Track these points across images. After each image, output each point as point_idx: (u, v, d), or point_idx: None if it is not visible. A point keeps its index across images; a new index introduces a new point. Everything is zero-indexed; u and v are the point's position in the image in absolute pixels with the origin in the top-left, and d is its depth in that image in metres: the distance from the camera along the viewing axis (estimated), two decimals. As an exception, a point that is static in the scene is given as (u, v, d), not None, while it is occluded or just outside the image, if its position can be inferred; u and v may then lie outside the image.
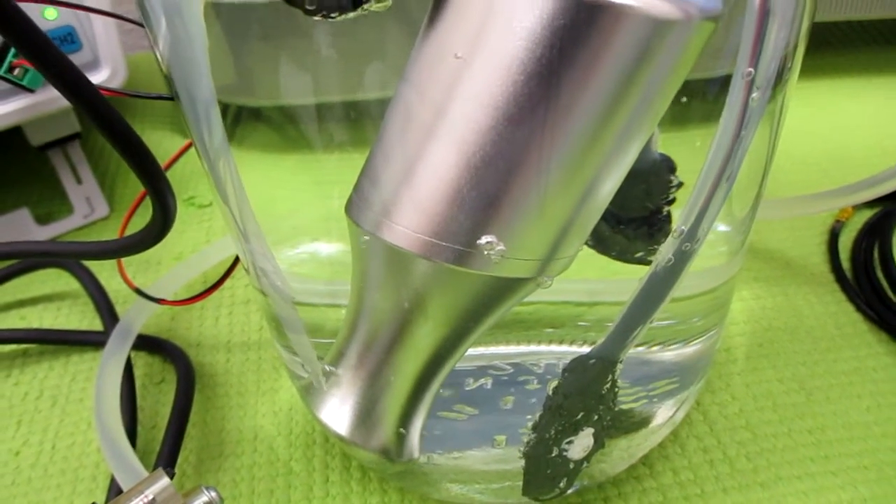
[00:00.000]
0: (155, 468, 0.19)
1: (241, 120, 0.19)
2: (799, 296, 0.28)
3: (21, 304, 0.30)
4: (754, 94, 0.15)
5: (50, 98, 0.28)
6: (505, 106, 0.13)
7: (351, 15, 0.15)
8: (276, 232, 0.20)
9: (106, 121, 0.15)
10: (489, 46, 0.13)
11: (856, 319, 0.27)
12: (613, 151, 0.15)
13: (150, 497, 0.16)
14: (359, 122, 0.18)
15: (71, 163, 0.34)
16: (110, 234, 0.34)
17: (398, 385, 0.18)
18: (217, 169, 0.19)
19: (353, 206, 0.16)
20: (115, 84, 0.30)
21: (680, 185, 0.19)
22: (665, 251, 0.17)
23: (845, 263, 0.29)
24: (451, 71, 0.14)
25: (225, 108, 0.18)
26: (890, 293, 0.27)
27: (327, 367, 0.19)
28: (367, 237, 0.16)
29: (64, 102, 0.29)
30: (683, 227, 0.16)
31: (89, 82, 0.14)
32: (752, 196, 0.20)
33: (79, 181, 0.34)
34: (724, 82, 0.15)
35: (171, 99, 0.18)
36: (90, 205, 0.34)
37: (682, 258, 0.17)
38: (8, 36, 0.13)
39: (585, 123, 0.14)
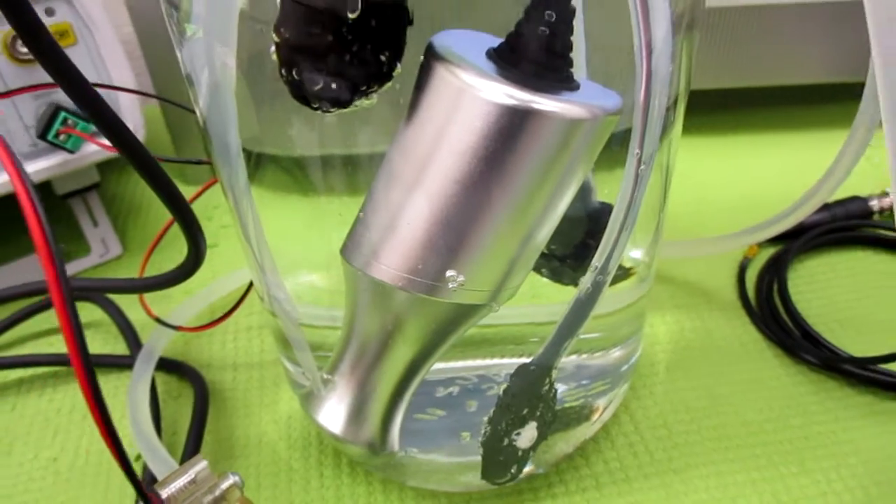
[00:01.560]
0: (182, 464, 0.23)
1: (260, 165, 0.24)
2: (712, 320, 0.33)
3: (49, 332, 0.34)
4: (642, 167, 0.21)
5: (83, 156, 0.33)
6: (462, 182, 0.18)
7: (345, 110, 0.20)
8: (285, 263, 0.25)
9: (157, 179, 0.20)
10: (448, 140, 0.18)
11: (757, 338, 0.33)
12: (544, 211, 0.20)
13: (193, 476, 0.21)
14: (354, 172, 0.23)
15: (89, 208, 0.39)
16: (123, 271, 0.39)
17: (382, 390, 0.23)
18: (241, 207, 0.24)
19: (347, 250, 0.21)
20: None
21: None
22: (585, 281, 0.22)
23: (751, 293, 0.34)
24: (421, 156, 0.19)
25: (248, 155, 0.23)
26: (785, 317, 0.33)
27: (325, 376, 0.24)
28: (358, 273, 0.21)
29: (93, 160, 0.34)
30: (597, 264, 0.22)
31: (145, 148, 0.20)
32: (652, 233, 0.25)
33: (95, 224, 0.39)
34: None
35: (207, 163, 0.24)
36: (105, 245, 0.39)
37: (597, 287, 0.22)
38: (84, 109, 0.18)
39: (522, 193, 0.19)
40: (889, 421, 0.29)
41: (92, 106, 0.18)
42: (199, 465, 0.21)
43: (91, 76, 0.33)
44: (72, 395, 0.32)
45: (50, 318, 0.35)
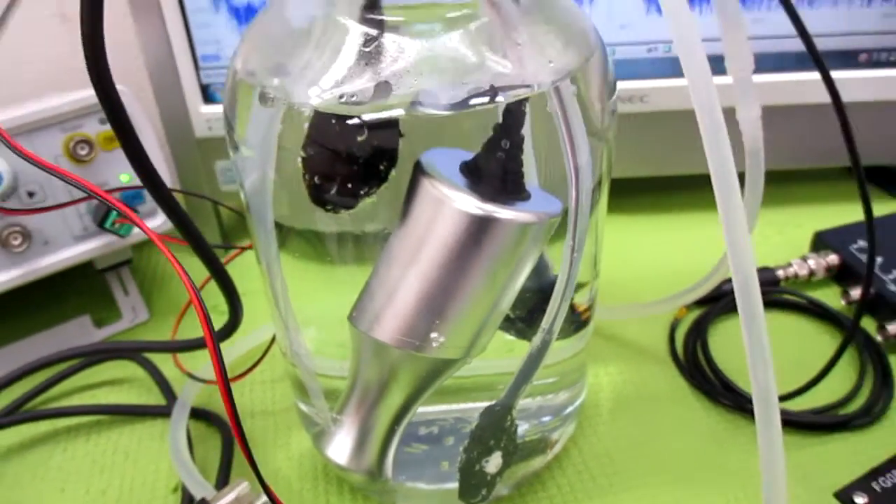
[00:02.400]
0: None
1: (288, 237, 0.30)
2: (647, 371, 0.40)
3: (91, 387, 0.41)
4: (574, 254, 0.28)
5: (127, 239, 0.40)
6: (442, 268, 0.25)
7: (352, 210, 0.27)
8: (303, 320, 0.31)
9: (212, 262, 0.27)
10: (432, 237, 0.25)
11: (684, 386, 0.40)
12: (504, 289, 0.27)
13: (237, 494, 0.27)
14: (361, 247, 0.30)
15: (121, 280, 0.45)
16: (150, 333, 0.45)
17: (379, 426, 0.29)
18: (272, 270, 0.30)
19: (354, 316, 0.28)
20: (167, 227, 0.42)
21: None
22: (536, 340, 0.29)
23: (679, 349, 0.42)
24: (412, 248, 0.26)
25: (279, 228, 0.30)
26: (707, 369, 0.40)
27: (334, 416, 0.30)
28: (363, 335, 0.27)
29: (132, 242, 0.41)
30: (545, 326, 0.29)
31: (204, 239, 0.26)
32: (589, 298, 0.32)
33: (126, 294, 0.45)
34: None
35: (249, 247, 0.30)
36: (134, 312, 0.46)
37: (545, 343, 0.29)
38: (162, 206, 0.25)
39: (487, 277, 0.26)
40: (786, 450, 0.36)
41: (168, 204, 0.25)
42: (242, 486, 0.27)
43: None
44: (114, 438, 0.38)
45: (90, 376, 0.41)
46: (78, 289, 0.47)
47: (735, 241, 0.22)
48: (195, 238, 0.26)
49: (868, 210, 0.32)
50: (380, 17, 0.25)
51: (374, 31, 0.25)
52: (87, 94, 0.39)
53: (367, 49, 0.25)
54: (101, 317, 0.45)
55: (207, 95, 0.46)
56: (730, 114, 0.24)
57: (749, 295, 0.22)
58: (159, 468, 0.36)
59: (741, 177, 0.28)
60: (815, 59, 0.29)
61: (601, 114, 0.28)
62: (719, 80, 0.21)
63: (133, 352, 0.39)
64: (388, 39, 0.25)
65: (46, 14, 0.59)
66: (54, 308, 0.46)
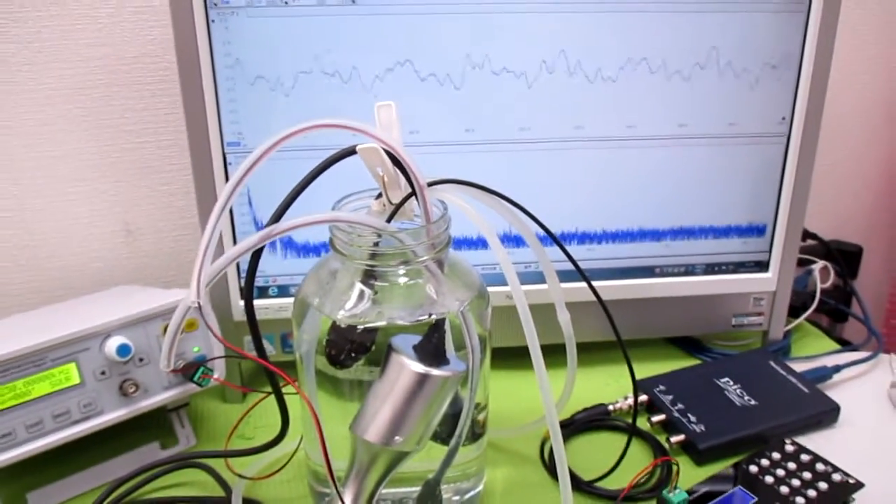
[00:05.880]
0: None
1: (319, 378, 0.54)
2: (525, 470, 0.64)
3: (168, 487, 0.62)
4: (472, 391, 0.53)
5: (195, 388, 0.63)
6: (401, 401, 0.50)
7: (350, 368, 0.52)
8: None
9: (280, 397, 0.51)
10: (398, 385, 0.50)
11: (549, 480, 0.63)
12: (435, 412, 0.52)
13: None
14: (354, 388, 0.54)
15: (178, 416, 0.68)
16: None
17: (366, 492, 0.52)
18: (313, 401, 0.54)
19: (353, 426, 0.51)
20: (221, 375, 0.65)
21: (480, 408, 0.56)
22: (452, 442, 0.53)
23: (546, 456, 0.66)
24: (386, 391, 0.50)
25: (317, 372, 0.53)
26: (562, 466, 0.64)
27: (340, 488, 0.53)
28: (358, 437, 0.51)
29: (198, 390, 0.64)
30: (458, 432, 0.53)
31: (279, 386, 0.50)
32: (482, 418, 0.57)
33: (182, 426, 0.68)
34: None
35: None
36: (187, 438, 0.67)
37: (455, 447, 0.53)
38: (268, 375, 0.49)
39: (426, 406, 0.50)
40: (604, 513, 0.60)
41: (263, 359, 0.49)
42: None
43: (203, 346, 0.64)
44: (187, 518, 0.59)
45: (166, 480, 0.62)
46: (148, 423, 0.68)
47: (544, 386, 0.47)
48: (273, 379, 0.50)
49: (631, 372, 0.58)
50: (373, 281, 0.51)
51: (368, 287, 0.51)
52: (177, 295, 0.63)
53: (364, 291, 0.51)
54: (163, 442, 0.67)
55: (243, 294, 0.71)
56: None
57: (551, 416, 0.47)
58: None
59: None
60: (583, 277, 0.56)
61: (485, 319, 0.54)
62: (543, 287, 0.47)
63: (202, 458, 0.61)
64: (376, 286, 0.51)
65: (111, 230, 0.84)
66: (128, 436, 0.67)
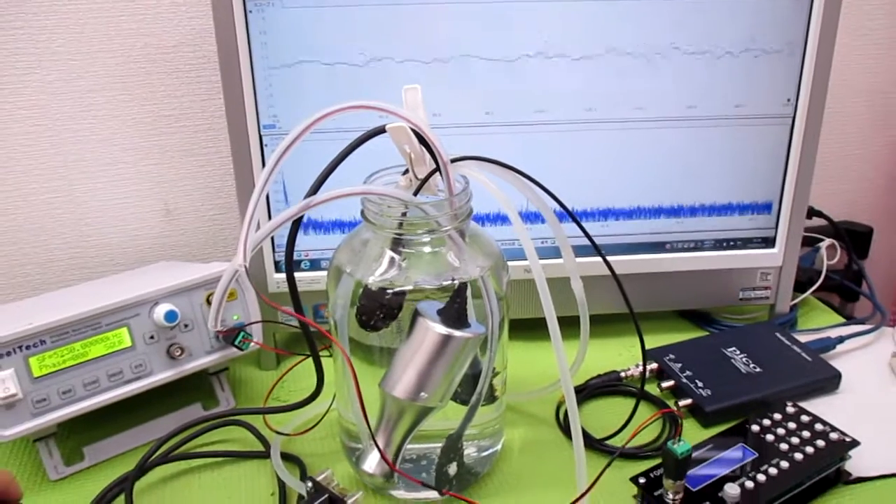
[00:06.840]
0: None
1: (352, 344, 0.59)
2: (542, 430, 0.69)
3: (212, 443, 0.67)
4: (491, 354, 0.57)
5: (236, 352, 0.68)
6: (426, 358, 0.54)
7: (378, 331, 0.56)
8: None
9: (317, 359, 0.56)
10: (423, 345, 0.54)
11: (563, 440, 0.68)
12: (457, 372, 0.56)
13: (326, 474, 0.54)
14: (383, 352, 0.59)
15: (219, 379, 0.73)
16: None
17: (394, 442, 0.57)
18: (345, 366, 0.59)
19: (382, 383, 0.56)
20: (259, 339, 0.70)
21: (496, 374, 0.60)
22: (472, 400, 0.58)
23: (561, 416, 0.70)
24: (412, 350, 0.55)
25: (350, 340, 0.58)
26: (576, 427, 0.69)
27: (370, 441, 0.58)
28: (386, 392, 0.56)
29: (238, 354, 0.69)
30: (477, 392, 0.58)
31: (316, 347, 0.55)
32: (501, 382, 0.62)
33: (222, 389, 0.73)
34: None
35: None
36: (227, 401, 0.73)
37: (476, 405, 0.58)
38: (307, 336, 0.54)
39: (449, 364, 0.55)
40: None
41: (308, 336, 0.54)
42: (328, 472, 0.54)
43: (242, 314, 0.69)
44: (228, 468, 0.64)
45: (210, 437, 0.67)
46: (191, 385, 0.74)
47: (558, 347, 0.52)
48: (310, 338, 0.55)
49: (642, 341, 0.63)
50: (401, 248, 0.56)
51: (397, 254, 0.55)
52: (217, 267, 0.69)
53: (394, 258, 0.56)
54: (206, 404, 0.72)
55: (277, 268, 0.76)
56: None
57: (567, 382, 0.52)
58: (261, 484, 0.62)
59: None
60: (597, 251, 0.61)
61: (503, 284, 0.59)
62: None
63: (244, 414, 0.66)
64: (404, 254, 0.56)
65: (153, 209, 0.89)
66: (174, 398, 0.72)
